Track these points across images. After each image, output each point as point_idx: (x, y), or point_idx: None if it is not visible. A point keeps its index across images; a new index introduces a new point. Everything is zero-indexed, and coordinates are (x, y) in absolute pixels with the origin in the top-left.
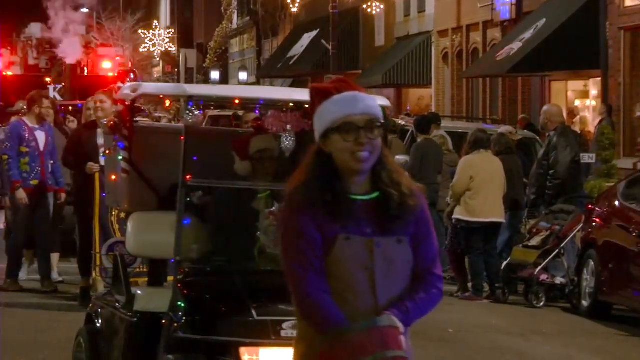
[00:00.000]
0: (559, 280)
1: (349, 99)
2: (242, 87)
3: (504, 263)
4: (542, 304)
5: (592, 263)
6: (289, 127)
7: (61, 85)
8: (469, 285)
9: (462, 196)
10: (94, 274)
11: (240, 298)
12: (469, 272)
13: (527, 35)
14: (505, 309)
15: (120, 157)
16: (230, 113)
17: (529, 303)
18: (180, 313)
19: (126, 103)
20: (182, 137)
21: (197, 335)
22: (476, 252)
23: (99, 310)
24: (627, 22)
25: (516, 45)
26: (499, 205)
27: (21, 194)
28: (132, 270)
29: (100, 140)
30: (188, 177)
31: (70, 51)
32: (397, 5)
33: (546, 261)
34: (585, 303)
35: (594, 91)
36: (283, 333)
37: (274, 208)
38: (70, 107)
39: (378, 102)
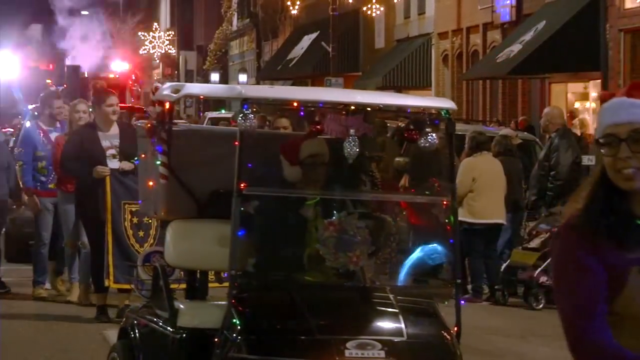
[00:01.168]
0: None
1: (615, 106)
2: (301, 88)
3: (504, 265)
4: (541, 305)
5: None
6: (352, 131)
7: (63, 87)
8: (469, 287)
9: (464, 198)
10: (107, 283)
11: (301, 315)
12: (469, 274)
13: (527, 37)
14: (505, 311)
15: (158, 162)
16: (229, 115)
17: (529, 305)
18: (235, 331)
19: (165, 105)
20: (237, 142)
21: (254, 355)
22: (477, 254)
23: (135, 324)
24: (627, 24)
25: (516, 47)
26: (501, 207)
27: (32, 202)
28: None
29: (105, 142)
30: (243, 185)
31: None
32: (397, 7)
33: (546, 263)
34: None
35: (593, 93)
36: (347, 353)
37: (333, 218)
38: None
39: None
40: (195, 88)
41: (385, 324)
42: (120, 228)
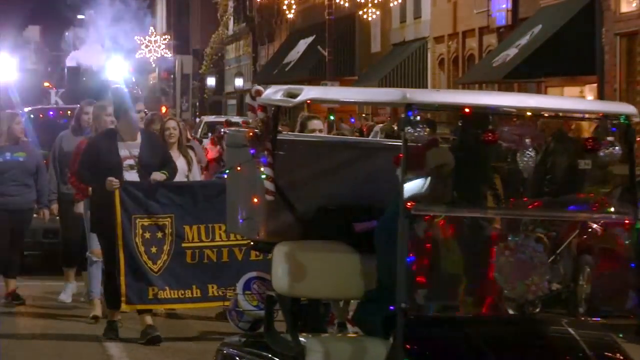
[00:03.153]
0: (554, 286)
1: None
2: (473, 92)
3: None
4: (537, 310)
5: (588, 269)
6: (527, 140)
7: (63, 90)
8: None
9: None
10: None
11: (483, 356)
12: None
13: (523, 41)
14: None
15: (263, 176)
16: (221, 120)
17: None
18: None
19: (270, 111)
20: (400, 155)
21: None
22: None
23: None
24: (623, 28)
25: (512, 52)
26: None
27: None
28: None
29: (124, 152)
30: (410, 203)
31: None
32: (393, 11)
33: None
34: (581, 309)
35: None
36: None
37: (509, 239)
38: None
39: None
40: (318, 91)
41: None
42: (131, 244)
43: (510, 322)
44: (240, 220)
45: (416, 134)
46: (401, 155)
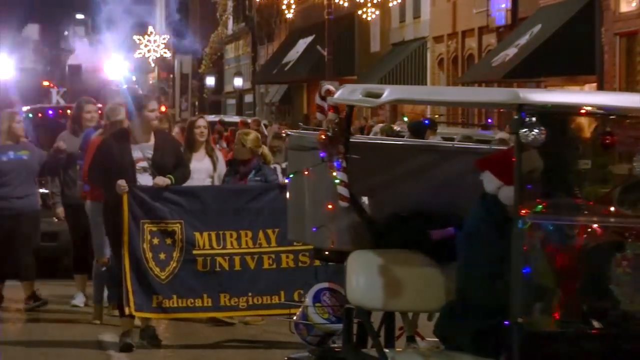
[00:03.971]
0: None
1: None
2: (589, 92)
3: None
4: None
5: None
6: None
7: (64, 89)
8: None
9: None
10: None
11: None
12: None
13: (523, 41)
14: None
15: (337, 181)
16: (216, 119)
17: None
18: None
19: (344, 111)
20: (514, 159)
21: None
22: None
23: None
24: (622, 27)
25: (512, 51)
26: None
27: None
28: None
29: (137, 154)
30: (524, 211)
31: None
32: (393, 11)
33: None
34: None
35: None
36: None
37: (627, 251)
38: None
39: None
40: (404, 91)
41: None
42: (138, 250)
43: (632, 338)
44: (314, 229)
45: (532, 136)
46: (514, 159)
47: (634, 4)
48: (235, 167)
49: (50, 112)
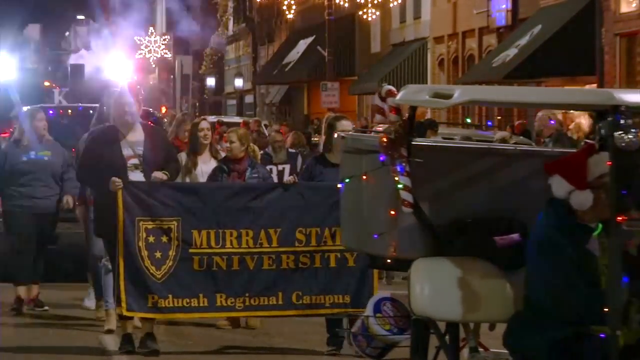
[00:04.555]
0: None
1: None
2: None
3: None
4: None
5: None
6: None
7: (66, 89)
8: None
9: None
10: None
11: None
12: None
13: (523, 41)
14: None
15: (400, 186)
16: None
17: None
18: None
19: (405, 113)
20: (609, 163)
21: None
22: None
23: None
24: (623, 28)
25: (512, 52)
26: None
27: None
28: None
29: (127, 151)
30: (621, 218)
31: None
32: (393, 11)
33: None
34: None
35: None
36: None
37: None
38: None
39: None
40: (477, 91)
41: None
42: (133, 248)
43: None
44: (375, 236)
45: (628, 139)
46: (609, 163)
47: (634, 5)
48: (228, 166)
49: (51, 112)
